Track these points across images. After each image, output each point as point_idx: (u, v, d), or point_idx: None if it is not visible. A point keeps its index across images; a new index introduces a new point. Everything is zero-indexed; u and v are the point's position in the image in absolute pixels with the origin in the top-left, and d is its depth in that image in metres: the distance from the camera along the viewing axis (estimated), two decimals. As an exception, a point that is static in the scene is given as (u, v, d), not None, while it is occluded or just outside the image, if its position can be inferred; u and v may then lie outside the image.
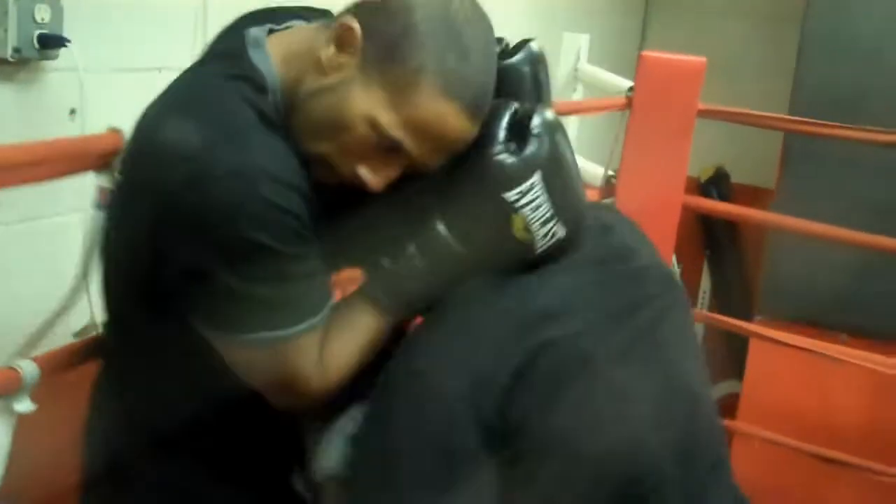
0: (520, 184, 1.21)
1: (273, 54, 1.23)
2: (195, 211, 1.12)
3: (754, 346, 3.33)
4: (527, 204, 1.21)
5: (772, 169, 3.51)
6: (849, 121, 2.64)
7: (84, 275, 1.52)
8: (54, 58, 1.88)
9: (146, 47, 2.13)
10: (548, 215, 1.22)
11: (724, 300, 4.21)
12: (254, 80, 1.20)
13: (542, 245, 1.24)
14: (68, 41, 1.86)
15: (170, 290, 1.19)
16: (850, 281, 3.21)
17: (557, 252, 1.26)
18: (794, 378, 3.17)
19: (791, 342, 2.72)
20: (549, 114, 1.24)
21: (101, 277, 1.36)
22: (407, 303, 1.29)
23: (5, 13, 1.78)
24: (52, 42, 1.84)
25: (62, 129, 1.94)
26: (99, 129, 2.00)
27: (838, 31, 3.29)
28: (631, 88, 2.66)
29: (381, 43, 1.17)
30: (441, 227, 1.24)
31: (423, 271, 1.25)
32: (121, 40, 2.06)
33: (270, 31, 1.28)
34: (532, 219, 1.22)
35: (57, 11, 1.85)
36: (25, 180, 1.46)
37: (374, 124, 1.17)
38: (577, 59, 3.09)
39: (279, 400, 1.26)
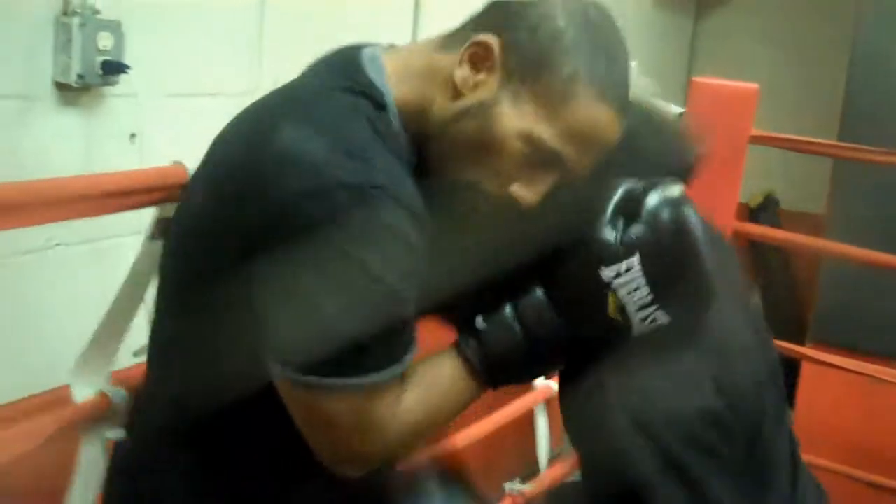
0: (615, 262, 1.15)
1: (389, 72, 1.17)
2: (307, 224, 1.03)
3: (805, 373, 3.30)
4: (623, 285, 1.15)
5: (821, 194, 3.49)
6: (898, 144, 2.62)
7: (137, 294, 1.53)
8: (115, 84, 1.93)
9: (204, 74, 2.18)
10: (646, 300, 1.16)
11: (776, 327, 4.16)
12: (373, 97, 1.14)
13: (639, 329, 1.19)
14: (129, 68, 1.91)
15: (241, 317, 1.09)
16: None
17: (663, 336, 1.21)
18: (845, 404, 3.14)
19: (841, 364, 2.70)
20: (673, 193, 1.18)
21: (158, 300, 1.29)
22: (498, 369, 1.21)
23: (70, 41, 1.83)
24: (113, 68, 1.89)
25: (123, 153, 1.99)
26: (158, 154, 2.06)
27: (888, 54, 3.27)
28: (681, 114, 2.66)
29: (527, 55, 1.11)
30: (540, 293, 1.20)
31: (519, 336, 1.20)
32: (179, 67, 2.11)
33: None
34: (627, 301, 1.16)
35: (119, 39, 1.90)
36: (87, 213, 1.45)
37: (530, 140, 1.11)
38: (626, 84, 3.09)
39: (338, 456, 1.15)
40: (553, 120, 1.10)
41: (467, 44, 1.13)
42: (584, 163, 1.14)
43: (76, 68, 1.84)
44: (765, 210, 4.17)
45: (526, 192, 1.14)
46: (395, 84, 1.15)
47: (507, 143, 1.11)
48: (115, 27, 1.89)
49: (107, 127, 1.97)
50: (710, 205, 2.63)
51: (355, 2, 2.53)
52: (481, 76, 1.12)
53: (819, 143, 2.75)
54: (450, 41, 1.17)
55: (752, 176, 2.83)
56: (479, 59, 1.12)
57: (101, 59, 1.87)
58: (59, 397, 1.53)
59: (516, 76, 1.11)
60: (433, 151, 1.15)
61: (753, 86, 2.59)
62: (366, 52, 1.19)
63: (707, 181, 2.61)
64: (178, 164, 1.44)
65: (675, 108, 2.74)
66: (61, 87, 1.87)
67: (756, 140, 2.61)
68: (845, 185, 3.36)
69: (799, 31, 4.23)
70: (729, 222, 2.63)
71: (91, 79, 1.87)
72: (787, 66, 4.13)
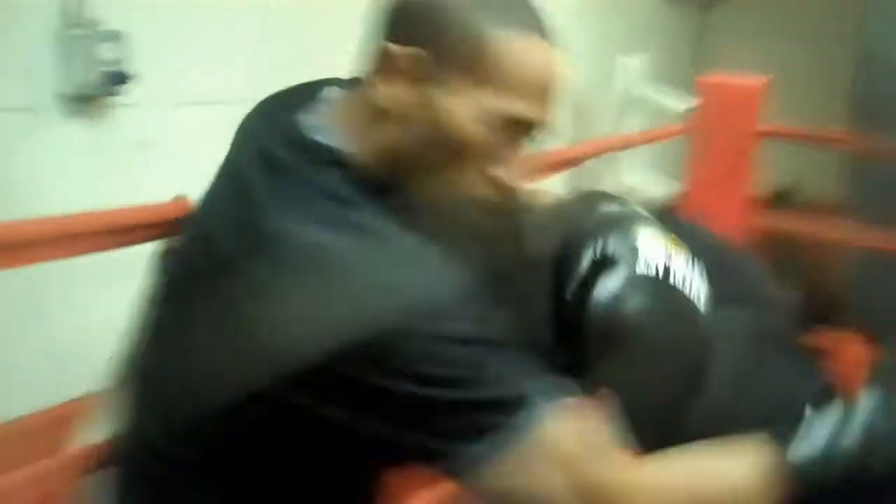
0: None
1: (345, 132, 1.07)
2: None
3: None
4: None
5: (835, 186, 3.47)
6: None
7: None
8: (120, 93, 1.93)
9: (206, 82, 2.17)
10: None
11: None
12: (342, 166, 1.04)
13: None
14: (132, 77, 1.91)
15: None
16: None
17: None
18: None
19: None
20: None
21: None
22: None
23: (71, 52, 1.83)
24: (118, 78, 1.89)
25: (128, 162, 1.99)
26: (163, 162, 2.05)
27: (892, 48, 3.26)
28: (688, 110, 2.65)
29: (426, 43, 1.02)
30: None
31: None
32: (182, 76, 2.11)
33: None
34: None
35: (121, 49, 1.90)
36: (88, 250, 1.38)
37: (482, 117, 1.02)
38: (632, 80, 3.09)
39: None
40: (490, 84, 1.02)
41: (372, 65, 1.05)
42: (544, 108, 1.06)
43: (78, 79, 1.85)
44: (779, 203, 4.15)
45: (507, 172, 1.05)
46: (354, 143, 1.06)
47: (466, 133, 1.02)
48: (116, 38, 1.89)
49: (112, 136, 1.97)
50: (720, 200, 2.64)
51: (356, 9, 2.52)
52: (402, 88, 1.03)
53: (827, 135, 2.74)
54: (368, 68, 1.07)
55: (766, 170, 2.82)
56: (390, 70, 1.03)
57: (103, 69, 1.87)
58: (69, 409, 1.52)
59: (430, 67, 1.02)
60: (412, 186, 1.06)
61: (759, 81, 2.59)
62: (310, 127, 1.07)
63: (716, 177, 2.62)
64: (179, 198, 1.40)
65: (681, 104, 2.75)
66: (65, 99, 1.87)
67: (763, 134, 2.60)
68: (857, 176, 3.35)
69: (805, 23, 4.21)
70: (740, 217, 2.62)
71: (94, 89, 1.87)
72: (794, 59, 4.10)
